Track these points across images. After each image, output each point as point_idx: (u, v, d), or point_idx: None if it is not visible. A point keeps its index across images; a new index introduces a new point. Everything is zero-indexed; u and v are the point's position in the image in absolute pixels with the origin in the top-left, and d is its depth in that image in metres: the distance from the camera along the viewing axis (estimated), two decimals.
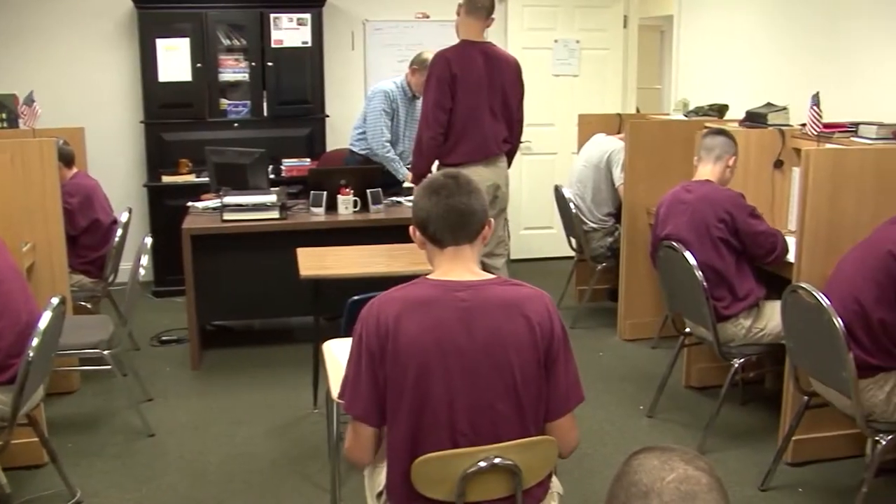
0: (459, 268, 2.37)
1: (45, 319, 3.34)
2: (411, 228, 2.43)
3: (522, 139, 5.48)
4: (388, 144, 6.04)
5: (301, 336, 5.74)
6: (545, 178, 7.38)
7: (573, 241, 6.25)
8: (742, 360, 4.17)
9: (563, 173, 6.75)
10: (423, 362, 2.23)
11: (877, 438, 3.37)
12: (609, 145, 5.98)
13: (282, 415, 4.63)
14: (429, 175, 2.52)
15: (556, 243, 7.26)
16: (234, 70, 7.01)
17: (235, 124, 7.01)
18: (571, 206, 5.95)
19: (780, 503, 3.77)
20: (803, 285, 3.49)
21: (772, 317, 4.11)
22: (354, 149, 6.22)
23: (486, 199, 2.44)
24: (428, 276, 2.38)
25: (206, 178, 6.28)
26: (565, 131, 7.31)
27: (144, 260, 4.59)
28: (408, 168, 5.89)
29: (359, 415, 2.32)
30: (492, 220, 2.48)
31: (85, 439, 4.35)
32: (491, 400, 2.27)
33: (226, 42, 6.97)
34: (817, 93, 4.45)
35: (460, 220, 2.35)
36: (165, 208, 6.67)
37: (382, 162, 6.03)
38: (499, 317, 2.28)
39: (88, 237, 5.16)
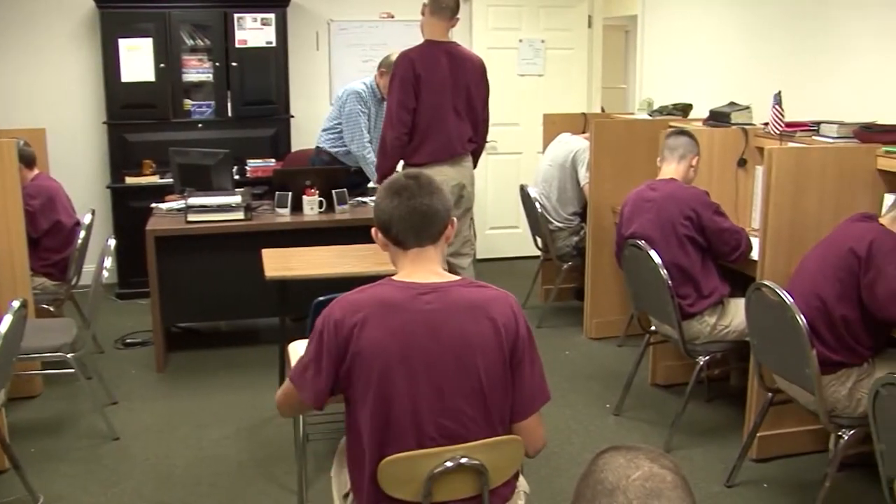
0: (423, 269, 2.37)
1: (5, 323, 3.30)
2: (373, 230, 2.42)
3: (488, 139, 5.49)
4: (369, 146, 6.02)
5: (267, 337, 5.71)
6: (511, 178, 7.40)
7: (539, 240, 6.26)
8: (707, 357, 4.21)
9: (528, 173, 6.77)
10: (386, 365, 2.23)
11: (840, 433, 3.41)
12: (574, 145, 6.01)
13: (248, 416, 4.60)
14: (390, 177, 2.51)
15: (522, 243, 7.28)
16: (197, 70, 6.96)
17: (199, 125, 6.97)
18: (537, 205, 5.96)
19: (745, 499, 3.80)
20: (767, 283, 3.52)
21: (736, 314, 4.15)
22: (325, 147, 6.19)
23: (448, 199, 2.44)
24: (392, 278, 2.38)
25: (170, 180, 6.23)
26: (530, 131, 7.33)
27: (108, 262, 4.54)
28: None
29: (307, 399, 2.34)
30: (455, 219, 2.48)
31: (48, 444, 4.30)
32: (457, 402, 2.27)
33: (189, 42, 6.92)
34: (779, 92, 4.49)
35: (423, 222, 2.35)
36: (129, 210, 6.60)
37: (360, 164, 6.02)
38: (464, 319, 2.28)
39: (50, 239, 5.10)
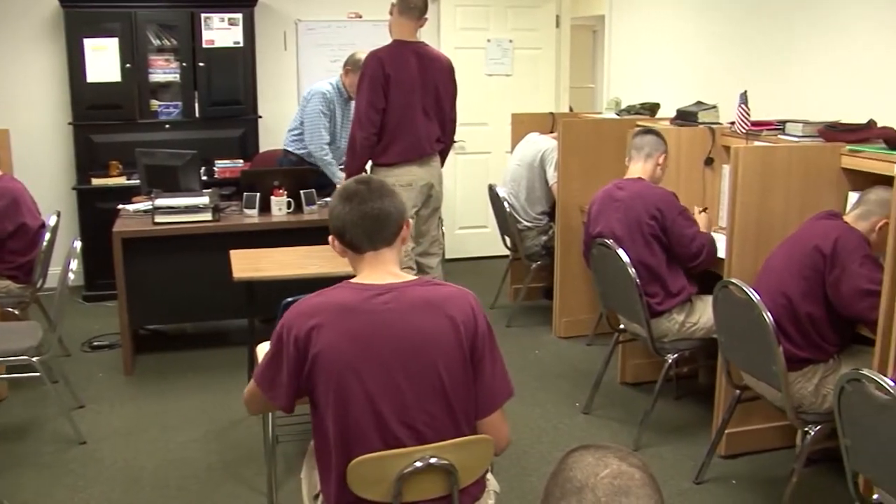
0: (380, 271, 2.38)
1: None
2: (330, 238, 2.44)
3: (456, 139, 5.49)
4: (326, 147, 6.01)
5: (235, 338, 5.68)
6: (479, 178, 7.41)
7: (507, 240, 6.28)
8: (675, 355, 4.23)
9: (497, 172, 6.77)
10: (345, 368, 2.24)
11: (806, 429, 3.45)
12: (543, 144, 6.02)
13: (217, 419, 4.58)
14: (342, 184, 2.53)
15: (491, 242, 7.29)
16: (164, 70, 6.91)
17: (167, 125, 6.91)
18: (505, 205, 5.97)
19: (714, 495, 3.83)
20: (734, 281, 3.55)
21: (704, 312, 4.18)
22: (290, 149, 6.18)
23: (401, 201, 2.47)
24: (350, 281, 2.40)
25: (137, 181, 6.18)
26: (499, 131, 7.34)
27: (74, 264, 4.49)
28: (341, 169, 5.87)
29: (274, 400, 2.37)
30: (410, 220, 2.51)
31: (14, 449, 4.25)
32: (420, 401, 2.28)
33: (156, 42, 6.87)
34: (745, 91, 4.52)
35: (375, 225, 2.37)
36: (95, 211, 6.54)
37: (319, 164, 6.00)
38: (422, 318, 2.29)
39: (15, 242, 5.04)
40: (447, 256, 7.22)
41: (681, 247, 4.20)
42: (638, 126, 5.02)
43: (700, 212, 4.53)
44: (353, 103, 6.00)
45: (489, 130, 7.70)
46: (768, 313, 3.32)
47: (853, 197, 3.76)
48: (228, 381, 4.96)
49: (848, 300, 3.31)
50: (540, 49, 7.86)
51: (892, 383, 2.55)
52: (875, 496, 2.86)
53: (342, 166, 5.75)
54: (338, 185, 5.88)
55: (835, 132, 4.05)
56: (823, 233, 3.41)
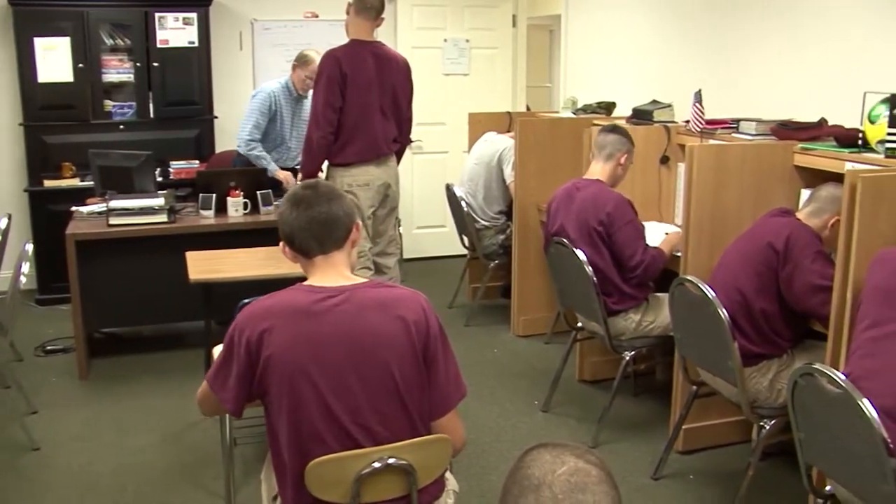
0: (332, 274, 2.39)
1: None
2: (281, 245, 2.44)
3: (413, 138, 5.48)
4: (252, 143, 6.00)
5: (192, 341, 5.62)
6: (437, 177, 7.41)
7: (465, 239, 6.28)
8: (633, 352, 4.26)
9: (454, 172, 6.78)
10: (297, 370, 2.24)
11: (762, 424, 3.49)
12: (500, 143, 6.03)
13: (174, 422, 4.53)
14: (290, 190, 2.53)
15: (449, 242, 7.29)
16: (118, 70, 6.83)
17: (121, 126, 6.83)
18: (463, 204, 5.98)
19: (671, 491, 3.86)
20: (689, 278, 3.58)
21: (661, 310, 4.20)
22: (240, 150, 6.16)
23: (350, 204, 2.48)
24: (301, 283, 2.40)
25: (91, 182, 6.10)
26: (456, 130, 7.34)
27: (25, 267, 4.44)
28: (296, 167, 5.85)
29: (225, 404, 2.36)
30: (359, 222, 2.51)
31: None
32: (373, 401, 2.28)
33: (109, 42, 6.78)
34: (699, 90, 4.57)
35: (324, 229, 2.37)
36: (48, 213, 6.45)
37: (252, 161, 5.98)
38: (374, 319, 2.29)
39: None
40: (405, 256, 7.22)
41: (621, 256, 4.17)
42: (594, 125, 5.05)
43: (666, 234, 4.51)
44: (304, 102, 6.01)
45: (446, 130, 7.71)
46: (723, 309, 3.35)
47: (805, 194, 3.81)
48: (185, 383, 4.91)
49: (800, 296, 3.36)
50: (497, 49, 7.88)
51: (843, 377, 2.59)
52: (828, 488, 2.90)
53: (298, 165, 5.73)
54: (273, 175, 5.91)
55: (787, 130, 4.11)
56: (776, 230, 3.45)
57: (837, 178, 3.37)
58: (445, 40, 7.71)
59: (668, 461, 4.00)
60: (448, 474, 2.57)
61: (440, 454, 2.40)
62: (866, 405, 2.48)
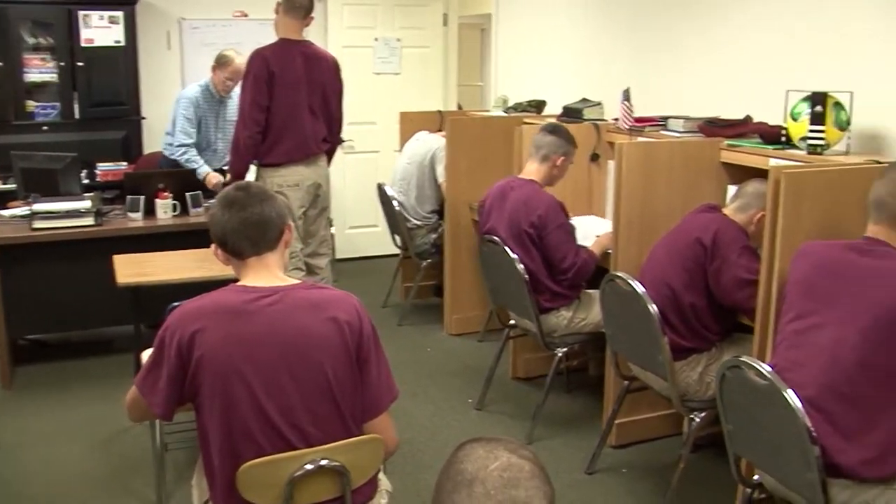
0: (265, 275, 2.38)
1: None
2: (213, 247, 2.41)
3: (344, 138, 5.45)
4: (181, 148, 5.91)
5: (121, 346, 5.51)
6: (369, 177, 7.37)
7: (398, 238, 6.27)
8: (565, 349, 4.28)
9: (386, 171, 6.76)
10: (229, 370, 2.22)
11: (692, 416, 3.54)
12: (432, 143, 6.03)
13: (103, 429, 4.44)
14: (221, 191, 2.51)
15: (382, 241, 7.26)
16: (40, 70, 6.68)
17: (44, 127, 6.69)
18: (395, 203, 5.96)
19: (605, 485, 3.90)
20: (620, 274, 3.62)
21: (592, 307, 4.23)
22: (166, 153, 6.08)
23: (282, 205, 2.47)
24: (234, 284, 2.39)
25: (13, 185, 5.95)
26: (387, 129, 7.32)
27: None
28: (224, 168, 5.79)
29: (153, 407, 2.32)
30: (291, 224, 2.50)
31: None
32: (306, 402, 2.27)
33: (31, 40, 6.63)
34: (628, 88, 4.62)
35: (257, 231, 2.37)
36: None
37: (182, 164, 5.91)
38: (306, 320, 2.29)
39: None
40: (338, 256, 7.19)
41: (552, 259, 4.19)
42: (525, 123, 5.08)
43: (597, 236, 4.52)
44: (228, 102, 5.95)
45: (378, 129, 7.68)
46: (653, 305, 3.40)
47: (732, 190, 3.87)
48: (114, 389, 4.79)
49: (728, 290, 3.41)
50: (428, 48, 7.88)
51: (769, 369, 2.64)
52: (755, 477, 2.96)
53: (225, 166, 5.67)
54: (205, 180, 5.84)
55: (714, 127, 4.17)
56: (704, 225, 3.50)
57: (762, 174, 3.43)
58: (376, 39, 7.68)
59: (601, 456, 4.04)
60: (381, 475, 2.57)
61: (373, 455, 2.40)
62: (791, 396, 2.53)
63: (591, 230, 4.55)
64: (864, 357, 2.53)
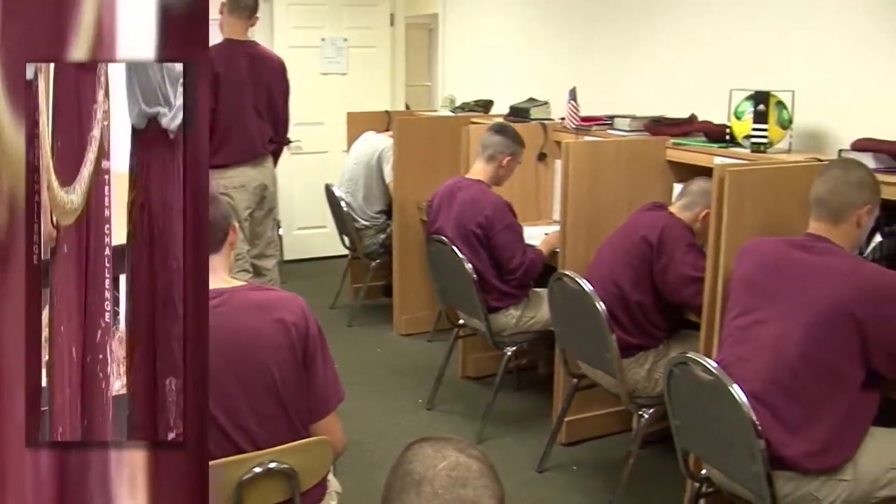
0: (210, 277, 2.34)
1: None
2: None
3: (291, 138, 5.41)
4: None
5: None
6: (316, 177, 7.30)
7: (346, 239, 6.24)
8: (514, 348, 4.28)
9: (334, 172, 6.72)
10: None
11: (640, 413, 3.58)
12: (379, 143, 6.01)
13: None
14: None
15: (330, 242, 7.21)
16: None
17: None
18: (343, 204, 5.92)
19: (555, 483, 3.92)
20: (567, 273, 3.63)
21: (541, 306, 4.23)
22: None
23: (226, 207, 2.48)
24: None
25: None
26: (334, 129, 7.27)
27: None
28: None
29: None
30: (236, 225, 2.49)
31: None
32: (252, 403, 2.26)
33: None
34: (574, 88, 4.64)
35: None
36: None
37: None
38: (253, 321, 2.27)
39: None
40: (287, 257, 7.14)
41: (500, 259, 4.18)
42: (472, 123, 5.08)
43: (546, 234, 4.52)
44: None
45: (325, 129, 7.63)
46: (601, 303, 3.42)
47: (678, 188, 3.91)
48: None
49: (674, 287, 3.44)
50: (375, 48, 7.85)
51: (715, 365, 2.67)
52: (703, 471, 2.99)
53: None
54: None
55: (659, 126, 4.21)
56: (650, 223, 3.53)
57: (707, 172, 3.46)
58: (323, 39, 7.64)
59: (551, 453, 4.05)
60: (330, 476, 2.55)
61: (322, 457, 2.38)
62: (736, 390, 2.57)
63: (538, 236, 4.55)
64: (806, 352, 2.57)
